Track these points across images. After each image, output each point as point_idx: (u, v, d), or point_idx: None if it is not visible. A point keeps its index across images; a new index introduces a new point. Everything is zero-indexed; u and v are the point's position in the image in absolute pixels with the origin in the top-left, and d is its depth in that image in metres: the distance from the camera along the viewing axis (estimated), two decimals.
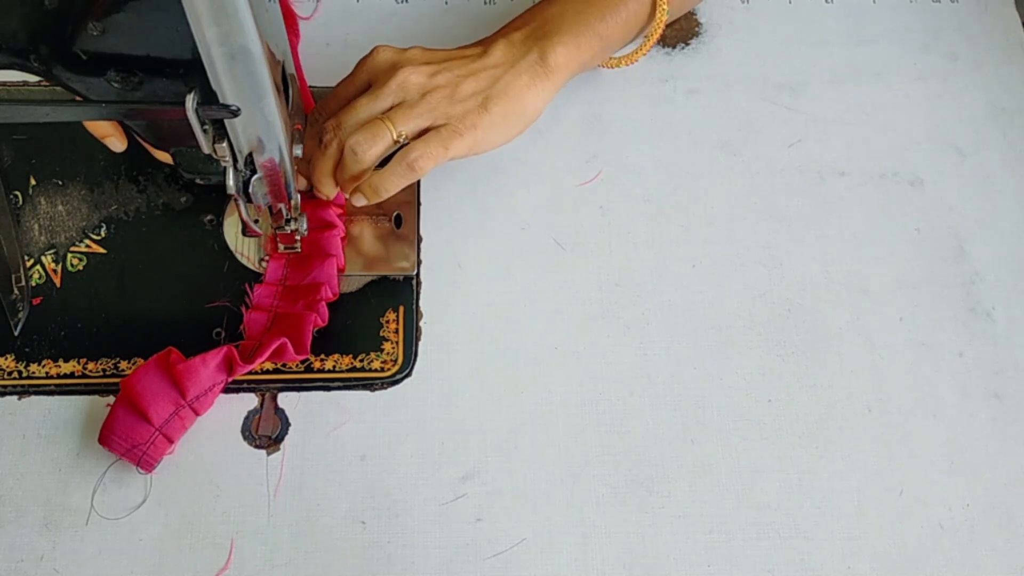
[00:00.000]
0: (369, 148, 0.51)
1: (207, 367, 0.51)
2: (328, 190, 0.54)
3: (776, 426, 0.54)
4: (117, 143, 0.56)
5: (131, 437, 0.50)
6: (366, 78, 0.54)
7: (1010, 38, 0.66)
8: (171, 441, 0.51)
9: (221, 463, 0.52)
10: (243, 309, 0.55)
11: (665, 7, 0.58)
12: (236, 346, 0.52)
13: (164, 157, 0.55)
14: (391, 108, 0.52)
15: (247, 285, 0.56)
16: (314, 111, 0.55)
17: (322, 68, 0.61)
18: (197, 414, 0.52)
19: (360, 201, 0.53)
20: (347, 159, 0.51)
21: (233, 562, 0.50)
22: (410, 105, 0.52)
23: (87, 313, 0.55)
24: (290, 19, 0.64)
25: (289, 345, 0.52)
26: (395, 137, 0.51)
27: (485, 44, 0.56)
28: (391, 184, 0.52)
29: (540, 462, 0.53)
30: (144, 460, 0.50)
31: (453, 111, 0.52)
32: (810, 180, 0.61)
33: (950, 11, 0.67)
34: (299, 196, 0.51)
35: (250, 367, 0.51)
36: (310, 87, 0.60)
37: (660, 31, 0.59)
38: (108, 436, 0.50)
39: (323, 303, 0.54)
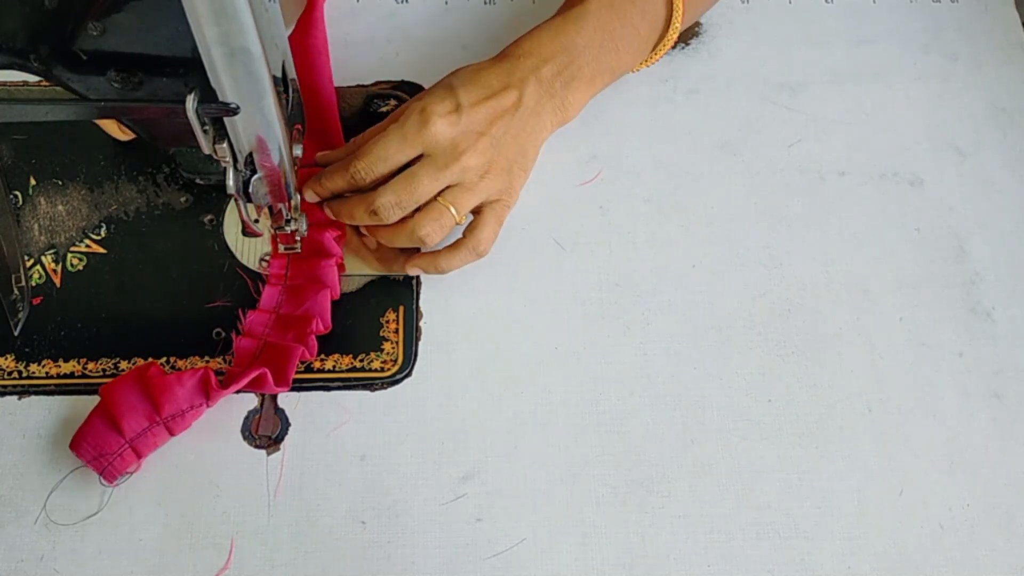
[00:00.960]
0: (438, 237, 0.53)
1: (183, 386, 0.50)
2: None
3: (776, 426, 0.54)
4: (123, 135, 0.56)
5: (100, 445, 0.50)
6: (421, 151, 0.52)
7: (1010, 38, 0.66)
8: (139, 456, 0.50)
9: (221, 463, 0.52)
10: (234, 335, 0.54)
11: (675, 35, 0.59)
12: (221, 370, 0.53)
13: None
14: (448, 187, 0.53)
15: (240, 310, 0.55)
16: (356, 170, 0.53)
17: None
18: (171, 434, 0.51)
19: (416, 272, 0.56)
20: (410, 242, 0.54)
21: (233, 562, 0.50)
22: (469, 188, 0.53)
23: (87, 313, 0.55)
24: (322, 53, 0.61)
25: (269, 376, 0.51)
26: (457, 220, 0.53)
27: (517, 83, 0.54)
28: (456, 265, 0.55)
29: (540, 462, 0.53)
30: (108, 471, 0.50)
31: (503, 184, 0.54)
32: (810, 180, 0.61)
33: (950, 11, 0.67)
34: (299, 196, 0.51)
35: (226, 393, 0.51)
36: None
37: (667, 49, 0.61)
38: (79, 441, 0.50)
39: (313, 336, 0.53)
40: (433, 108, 0.52)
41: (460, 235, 0.55)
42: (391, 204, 0.52)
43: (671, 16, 0.59)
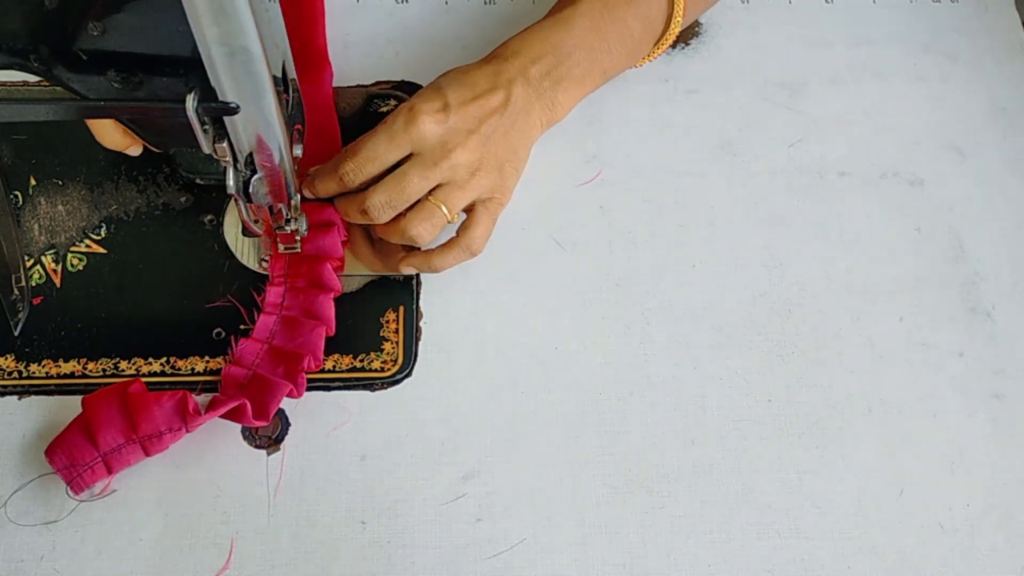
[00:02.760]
0: (429, 236, 0.53)
1: (161, 407, 0.49)
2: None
3: (776, 426, 0.54)
4: (136, 150, 0.56)
5: (73, 455, 0.49)
6: (410, 150, 0.52)
7: (1010, 38, 0.66)
8: (110, 471, 0.50)
9: (221, 463, 0.52)
10: (224, 361, 0.54)
11: (675, 32, 0.60)
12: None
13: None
14: (439, 186, 0.53)
15: (232, 337, 0.54)
16: (345, 171, 0.53)
17: None
18: (146, 453, 0.50)
19: (410, 271, 0.56)
20: (402, 240, 0.54)
21: (233, 562, 0.50)
22: (460, 186, 0.53)
23: (87, 313, 0.55)
24: (322, 65, 0.61)
25: (249, 409, 0.50)
26: (449, 219, 0.53)
27: (505, 83, 0.54)
28: (449, 264, 0.55)
29: (540, 462, 0.53)
30: (76, 482, 0.49)
31: (495, 182, 0.54)
32: (810, 180, 0.61)
33: (950, 11, 0.67)
34: (299, 196, 0.51)
35: (203, 420, 0.50)
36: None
37: (667, 46, 0.61)
38: (53, 448, 0.50)
39: (303, 374, 0.52)
40: (421, 107, 0.52)
41: (454, 233, 0.55)
42: (382, 204, 0.52)
43: (671, 15, 0.59)
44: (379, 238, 0.56)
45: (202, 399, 0.53)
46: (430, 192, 0.53)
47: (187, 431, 0.50)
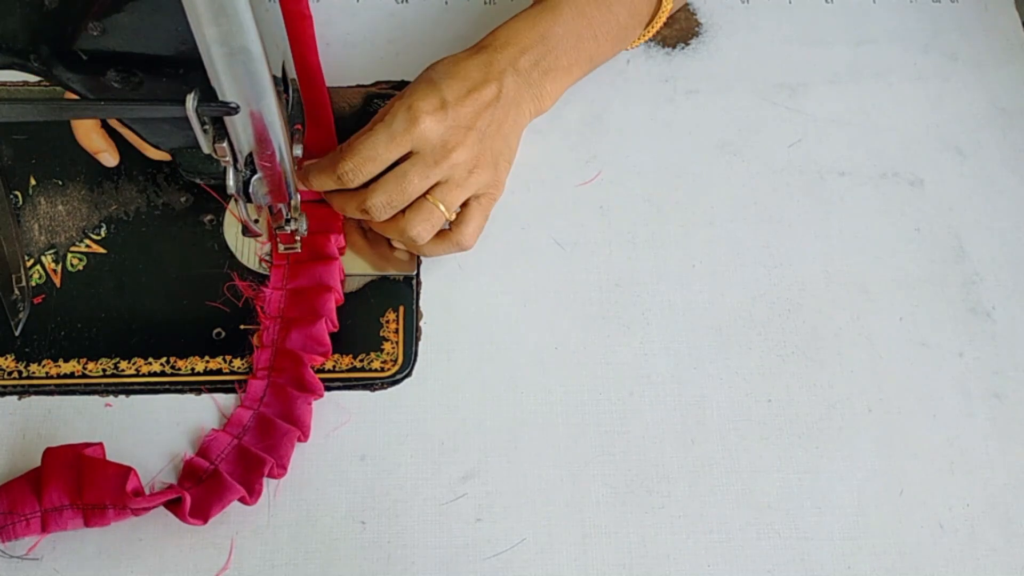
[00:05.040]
0: (428, 236, 0.53)
1: (106, 473, 0.48)
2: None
3: (776, 426, 0.54)
4: (109, 158, 0.57)
5: (15, 503, 0.48)
6: (410, 149, 0.52)
7: (1010, 38, 0.66)
8: (44, 530, 0.48)
9: None
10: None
11: (666, 14, 0.60)
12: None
13: (159, 155, 0.55)
14: (437, 184, 0.53)
15: (210, 433, 0.52)
16: (345, 171, 0.52)
17: (322, 68, 0.61)
18: (86, 523, 0.48)
19: (403, 255, 0.57)
20: (401, 240, 0.54)
21: (233, 562, 0.50)
22: (458, 184, 0.53)
23: (87, 313, 0.55)
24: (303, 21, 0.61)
25: (187, 504, 0.48)
26: (447, 217, 0.54)
27: (497, 75, 0.54)
28: (439, 254, 0.55)
29: (540, 462, 0.53)
30: (8, 530, 0.47)
31: (490, 178, 0.55)
32: (810, 180, 0.61)
33: (950, 11, 0.67)
34: (299, 196, 0.51)
35: (138, 503, 0.47)
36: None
37: (659, 27, 0.62)
38: (1, 491, 0.48)
39: (261, 481, 0.50)
40: (420, 106, 0.52)
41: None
42: (382, 204, 0.52)
43: (660, 1, 0.60)
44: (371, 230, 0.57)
45: (202, 398, 0.53)
46: (428, 190, 0.53)
47: (132, 513, 0.48)
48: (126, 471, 0.48)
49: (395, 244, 0.56)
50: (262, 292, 0.55)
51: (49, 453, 0.49)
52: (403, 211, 0.53)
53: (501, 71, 0.55)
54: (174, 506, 0.48)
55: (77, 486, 0.48)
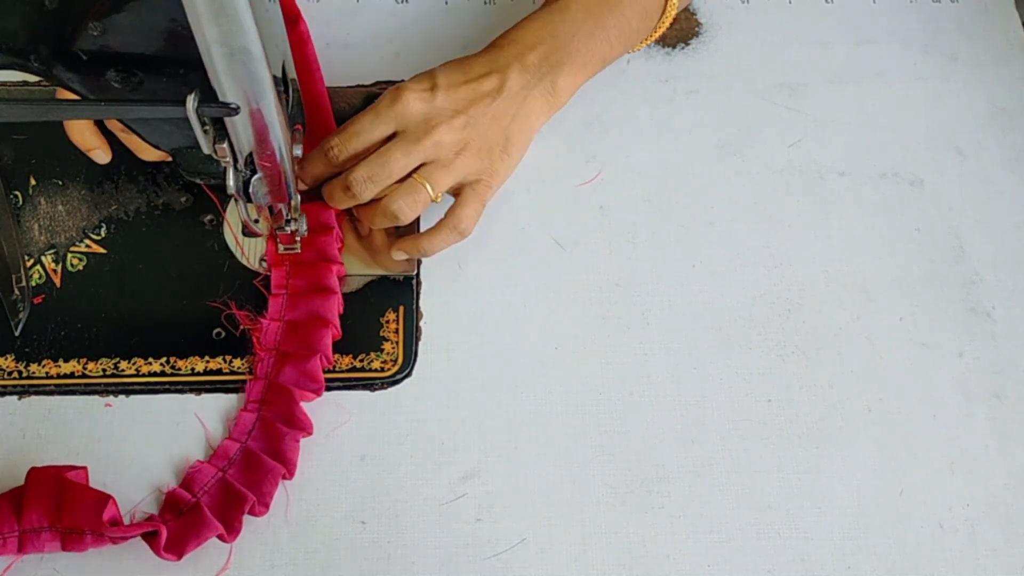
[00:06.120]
0: (411, 213, 0.53)
1: (85, 500, 0.47)
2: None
3: (776, 426, 0.54)
4: (102, 155, 0.57)
5: None
6: (394, 127, 0.53)
7: (1010, 38, 0.66)
8: (20, 550, 0.47)
9: None
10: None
11: (672, 15, 0.60)
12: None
13: (153, 156, 0.55)
14: (423, 164, 0.53)
15: (195, 463, 0.51)
16: (331, 146, 0.53)
17: (322, 68, 0.61)
18: (63, 547, 0.47)
19: (401, 256, 0.56)
20: (385, 218, 0.53)
21: (233, 562, 0.50)
22: (445, 165, 0.53)
23: (87, 313, 0.55)
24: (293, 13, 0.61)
25: (163, 538, 0.47)
26: (433, 197, 0.53)
27: (501, 68, 0.55)
28: (439, 246, 0.55)
29: (540, 462, 0.53)
30: None
31: (482, 164, 0.54)
32: (810, 180, 0.61)
33: (950, 11, 0.67)
34: (299, 196, 0.51)
35: (114, 532, 0.47)
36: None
37: (664, 29, 0.62)
38: None
39: (241, 519, 0.49)
40: (407, 86, 0.53)
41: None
42: (364, 179, 0.52)
43: (667, 3, 0.60)
44: (368, 232, 0.57)
45: (202, 400, 0.53)
46: (415, 170, 0.53)
47: (110, 541, 0.47)
48: (105, 499, 0.47)
49: (395, 250, 0.56)
50: (259, 323, 0.54)
51: (33, 473, 0.48)
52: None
53: (506, 65, 0.55)
54: (150, 538, 0.48)
55: (57, 509, 0.47)
